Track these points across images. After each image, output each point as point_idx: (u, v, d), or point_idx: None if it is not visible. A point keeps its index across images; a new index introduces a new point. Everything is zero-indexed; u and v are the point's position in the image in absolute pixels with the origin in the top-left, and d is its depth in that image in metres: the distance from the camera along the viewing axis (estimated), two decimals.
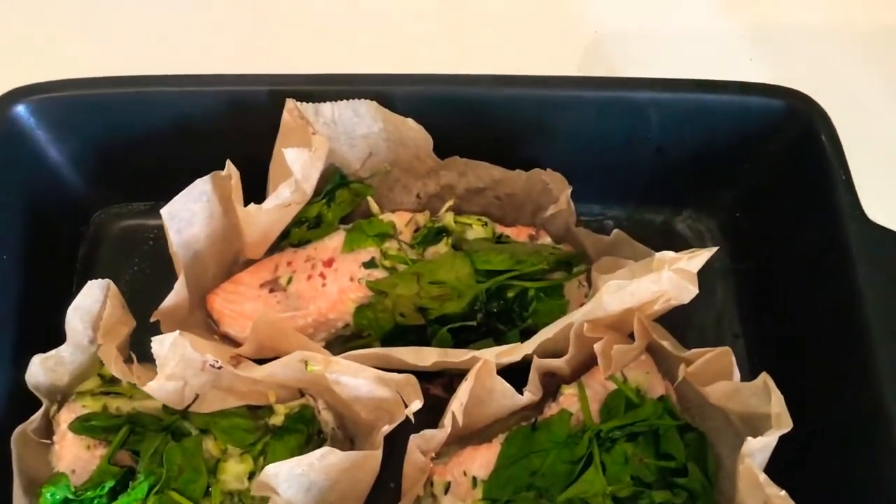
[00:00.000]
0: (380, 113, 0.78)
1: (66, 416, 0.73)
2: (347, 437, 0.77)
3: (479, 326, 0.77)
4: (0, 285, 0.74)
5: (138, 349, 0.75)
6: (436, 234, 0.79)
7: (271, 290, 0.80)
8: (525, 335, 0.77)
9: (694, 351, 0.70)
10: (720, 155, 0.84)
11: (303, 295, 0.79)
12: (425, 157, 0.81)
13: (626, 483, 0.70)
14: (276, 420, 0.74)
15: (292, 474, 0.66)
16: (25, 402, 0.73)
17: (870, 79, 1.02)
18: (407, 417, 0.69)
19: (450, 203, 0.83)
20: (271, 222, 0.77)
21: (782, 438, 0.63)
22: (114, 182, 0.85)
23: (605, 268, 0.75)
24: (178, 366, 0.69)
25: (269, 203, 0.74)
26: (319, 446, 0.75)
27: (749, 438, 0.63)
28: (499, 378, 0.70)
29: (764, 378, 0.66)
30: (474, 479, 0.72)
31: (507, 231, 0.81)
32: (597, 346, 0.72)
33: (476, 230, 0.80)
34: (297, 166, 0.73)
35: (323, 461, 0.67)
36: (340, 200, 0.83)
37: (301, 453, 0.72)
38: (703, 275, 0.70)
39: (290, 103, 0.77)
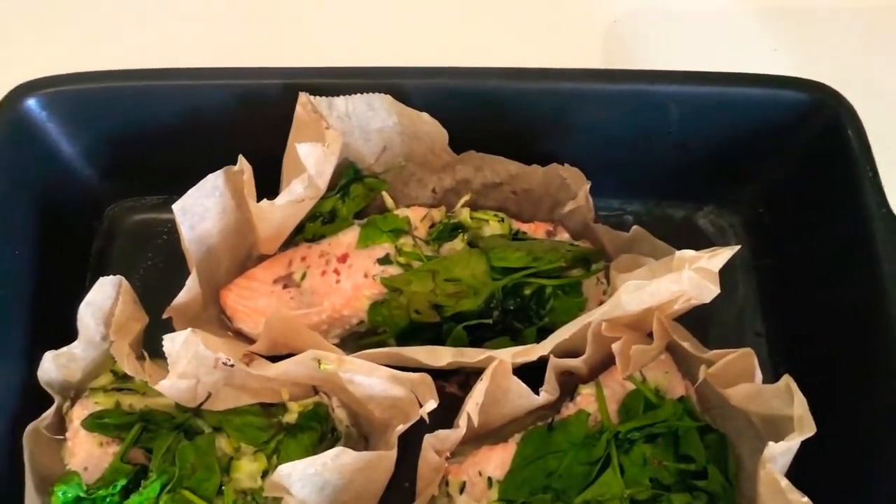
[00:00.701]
0: (394, 107, 0.76)
1: (78, 413, 0.72)
2: (362, 435, 0.77)
3: (495, 324, 0.76)
4: (13, 280, 0.74)
5: (151, 345, 0.74)
6: (451, 230, 0.78)
7: (285, 286, 0.79)
8: (542, 333, 0.75)
9: (715, 352, 0.69)
10: (743, 149, 0.82)
11: (317, 291, 0.78)
12: (440, 151, 0.79)
13: (645, 485, 0.69)
14: (290, 418, 0.73)
15: (306, 474, 0.66)
16: (37, 398, 0.73)
17: None
18: (421, 416, 0.68)
19: (466, 198, 0.82)
20: (285, 218, 0.76)
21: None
22: (127, 175, 0.84)
23: (624, 266, 0.74)
24: (190, 363, 0.68)
25: (281, 199, 0.73)
26: (333, 444, 0.74)
27: (771, 443, 0.61)
28: (515, 378, 0.69)
29: (786, 381, 0.64)
30: (490, 479, 0.71)
31: (524, 227, 0.80)
32: (615, 346, 0.70)
33: (493, 226, 0.79)
34: (311, 161, 0.72)
35: (336, 461, 0.66)
36: (355, 195, 0.81)
37: (315, 451, 0.72)
38: (725, 271, 0.68)
39: (303, 97, 0.75)
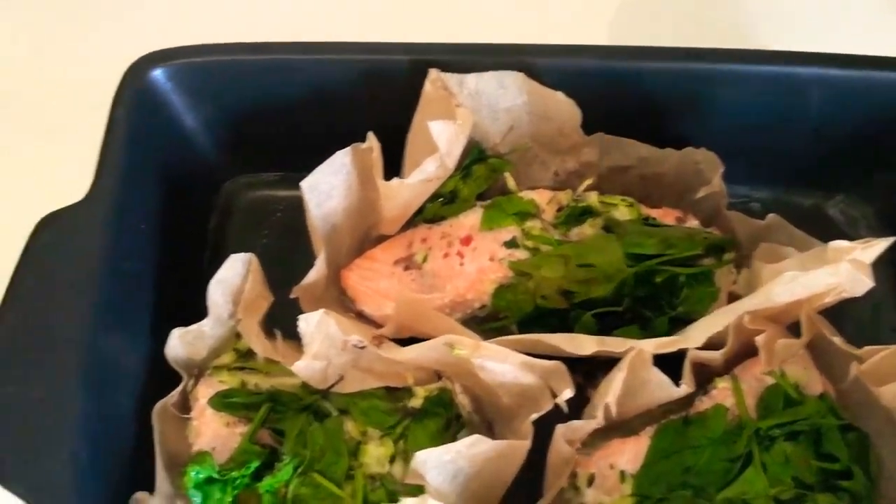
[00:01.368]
0: (526, 85, 0.74)
1: (203, 392, 0.71)
2: (485, 422, 0.75)
3: (624, 312, 0.73)
4: (140, 255, 0.73)
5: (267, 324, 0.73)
6: (580, 214, 0.76)
7: (406, 268, 0.77)
8: (673, 323, 0.73)
9: (867, 348, 0.66)
10: (882, 136, 0.78)
11: (439, 274, 0.76)
12: (570, 132, 0.77)
13: (788, 484, 0.66)
14: (415, 403, 0.72)
15: (441, 461, 0.64)
16: (158, 375, 0.72)
17: None
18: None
19: (589, 181, 0.79)
20: (411, 197, 0.74)
21: None
22: (245, 151, 0.83)
23: (767, 256, 0.71)
24: (322, 345, 0.67)
25: (413, 178, 0.71)
26: (458, 431, 0.73)
27: None
28: (655, 369, 0.66)
29: None
30: (622, 473, 0.69)
31: (654, 213, 0.77)
32: (759, 339, 0.68)
33: (622, 211, 0.76)
34: (443, 140, 0.70)
35: (471, 449, 0.64)
36: (477, 176, 0.79)
37: (441, 438, 0.70)
38: None
39: (433, 73, 0.73)
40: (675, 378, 0.68)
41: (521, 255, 0.75)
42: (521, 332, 0.75)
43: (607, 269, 0.71)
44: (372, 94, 0.77)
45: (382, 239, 0.80)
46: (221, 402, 0.70)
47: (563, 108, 0.75)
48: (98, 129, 0.74)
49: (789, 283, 0.64)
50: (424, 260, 0.77)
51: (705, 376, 0.73)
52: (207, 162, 0.82)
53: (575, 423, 0.68)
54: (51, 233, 0.67)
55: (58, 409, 0.63)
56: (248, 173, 0.86)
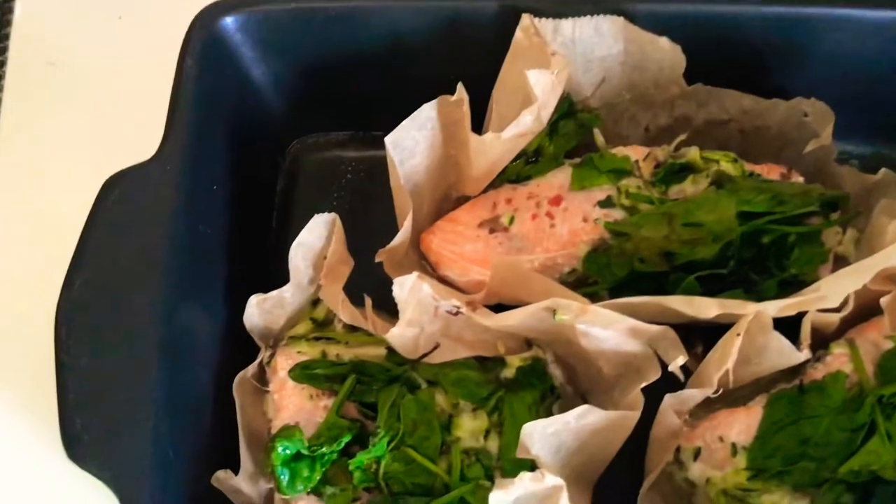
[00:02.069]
0: (624, 31, 0.69)
1: (282, 364, 0.66)
2: (578, 394, 0.70)
3: (729, 275, 0.69)
4: (212, 218, 0.68)
5: None
6: (679, 170, 0.71)
7: (491, 231, 0.72)
8: (783, 287, 0.68)
9: None
10: None
11: (528, 236, 0.71)
12: (666, 83, 0.72)
13: None
14: (508, 373, 0.67)
15: (545, 434, 0.59)
16: (232, 346, 0.68)
17: None
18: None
19: (682, 137, 0.74)
20: (502, 153, 0.69)
21: None
22: (314, 108, 0.78)
23: (891, 212, 0.66)
24: (415, 311, 0.62)
25: (509, 131, 0.65)
26: (552, 403, 0.68)
27: None
28: (776, 334, 0.62)
29: None
30: (734, 445, 0.65)
31: (757, 169, 0.72)
32: (885, 301, 0.63)
33: (724, 167, 0.71)
34: (539, 90, 0.65)
35: (580, 421, 0.60)
36: (564, 132, 0.74)
37: (538, 410, 0.66)
38: None
39: (526, 19, 0.68)
40: None
41: (617, 215, 0.69)
42: (612, 298, 0.70)
43: (716, 228, 0.66)
44: (454, 43, 0.71)
45: (462, 201, 0.75)
46: (303, 373, 0.65)
47: (665, 55, 0.69)
48: (159, 84, 0.69)
49: None
50: (511, 222, 0.72)
51: (816, 342, 0.69)
52: (275, 121, 0.77)
53: (685, 392, 0.63)
54: (120, 192, 0.62)
55: (135, 382, 0.58)
56: (316, 132, 0.81)
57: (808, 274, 0.69)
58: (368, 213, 0.73)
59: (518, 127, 0.66)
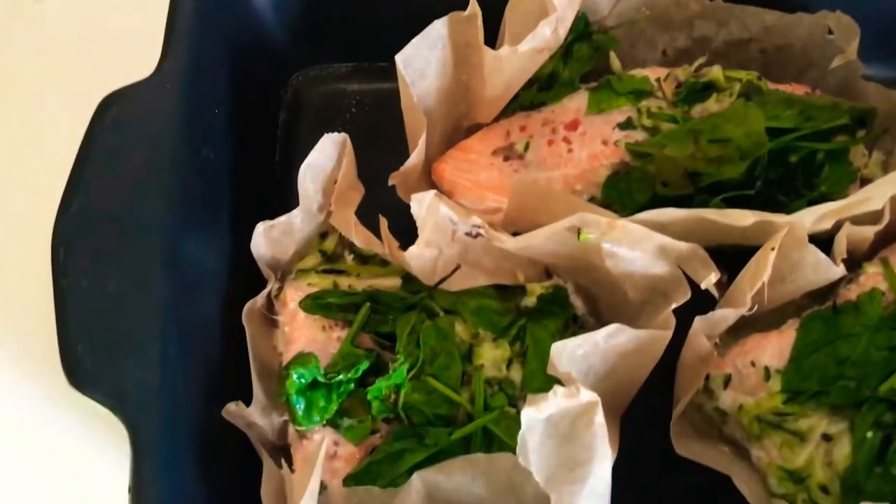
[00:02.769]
0: None
1: (292, 295, 0.63)
2: (600, 325, 0.67)
3: (755, 196, 0.66)
4: (215, 143, 0.64)
5: None
6: (702, 89, 0.68)
7: (506, 158, 0.69)
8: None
9: None
10: None
11: (545, 162, 0.68)
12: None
13: None
14: (529, 301, 0.64)
15: (574, 356, 0.56)
16: (239, 278, 0.65)
17: None
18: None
19: (701, 60, 0.71)
20: (516, 72, 0.66)
21: None
22: (316, 37, 0.75)
23: None
24: (433, 232, 0.59)
25: (525, 45, 0.62)
26: (575, 334, 0.65)
27: None
28: (811, 248, 0.59)
29: None
30: (766, 369, 0.62)
31: (781, 87, 0.69)
32: None
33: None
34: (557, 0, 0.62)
35: (609, 341, 0.57)
36: (579, 56, 0.71)
37: (563, 339, 0.62)
38: None
39: None
40: None
41: (637, 136, 0.67)
42: None
43: (744, 143, 0.64)
44: None
45: (473, 131, 0.72)
46: (315, 303, 0.62)
47: None
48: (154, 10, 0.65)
49: None
50: (526, 149, 0.69)
51: (848, 265, 0.66)
52: (276, 46, 0.74)
53: (717, 313, 0.60)
54: (118, 111, 0.58)
55: (140, 306, 0.54)
56: (318, 64, 0.77)
57: (837, 193, 0.66)
58: (374, 149, 0.69)
59: (535, 40, 0.63)
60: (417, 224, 0.58)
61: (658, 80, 0.68)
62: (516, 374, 0.62)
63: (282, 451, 0.61)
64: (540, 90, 0.71)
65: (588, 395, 0.52)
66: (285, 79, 0.77)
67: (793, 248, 0.60)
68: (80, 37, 0.79)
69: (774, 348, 0.63)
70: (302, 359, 0.58)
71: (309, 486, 0.52)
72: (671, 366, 0.64)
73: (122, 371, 0.52)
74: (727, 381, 0.64)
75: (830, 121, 0.65)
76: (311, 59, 0.77)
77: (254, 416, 0.59)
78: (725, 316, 0.61)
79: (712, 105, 0.67)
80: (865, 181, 0.68)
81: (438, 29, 0.64)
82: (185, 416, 0.55)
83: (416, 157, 0.63)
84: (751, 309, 0.59)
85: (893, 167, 0.67)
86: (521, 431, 0.51)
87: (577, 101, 0.69)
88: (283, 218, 0.62)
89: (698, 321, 0.61)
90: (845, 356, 0.61)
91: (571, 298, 0.66)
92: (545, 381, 0.59)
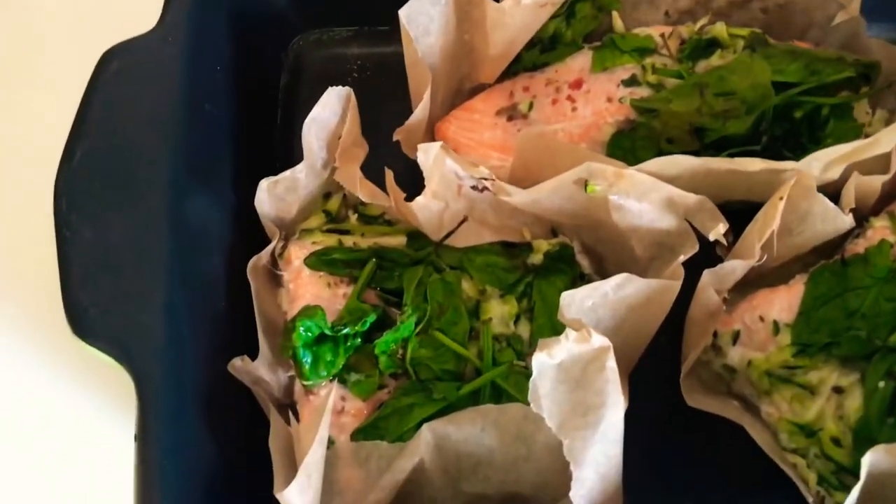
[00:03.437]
0: None
1: (296, 253, 0.62)
2: None
3: (761, 152, 0.65)
4: (218, 101, 0.63)
5: None
6: (706, 46, 0.68)
7: (510, 118, 0.69)
8: None
9: None
10: None
11: (549, 121, 0.68)
12: None
13: None
14: (535, 259, 0.63)
15: (582, 307, 0.56)
16: (243, 236, 0.64)
17: None
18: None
19: (704, 20, 0.71)
20: (519, 28, 0.66)
21: None
22: (317, 2, 0.74)
23: None
24: (440, 183, 0.59)
25: None
26: None
27: None
28: (820, 197, 0.59)
29: None
30: (775, 323, 0.62)
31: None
32: None
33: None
34: None
35: (618, 292, 0.56)
36: (581, 16, 0.71)
37: None
38: None
39: None
40: None
41: (642, 92, 0.66)
42: None
43: (750, 96, 0.63)
44: None
45: (477, 92, 0.71)
46: (320, 259, 0.61)
47: None
48: None
49: None
50: (530, 108, 0.69)
51: (855, 218, 0.66)
52: (277, 12, 0.73)
53: (726, 265, 0.59)
54: (120, 64, 0.58)
55: (144, 256, 0.54)
56: (319, 28, 0.76)
57: None
58: (376, 113, 0.68)
59: None
60: (424, 174, 0.57)
61: (662, 35, 0.67)
62: (524, 330, 0.61)
63: (288, 409, 0.60)
64: (543, 51, 0.71)
65: (600, 340, 0.51)
66: (286, 42, 0.76)
67: (801, 197, 0.59)
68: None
69: (783, 302, 0.62)
70: (308, 311, 0.57)
71: (317, 435, 0.51)
72: (679, 325, 0.64)
73: (126, 320, 0.51)
74: (736, 337, 0.63)
75: (835, 74, 0.64)
76: (312, 22, 0.76)
77: (260, 370, 0.58)
78: (734, 268, 0.60)
79: (716, 61, 0.67)
80: None
81: None
82: (190, 367, 0.54)
83: (420, 111, 0.62)
84: (760, 260, 0.59)
85: None
86: (532, 377, 0.50)
87: (581, 60, 0.69)
88: (287, 173, 0.61)
89: (706, 275, 0.60)
90: (855, 308, 0.61)
91: (578, 257, 0.65)
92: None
